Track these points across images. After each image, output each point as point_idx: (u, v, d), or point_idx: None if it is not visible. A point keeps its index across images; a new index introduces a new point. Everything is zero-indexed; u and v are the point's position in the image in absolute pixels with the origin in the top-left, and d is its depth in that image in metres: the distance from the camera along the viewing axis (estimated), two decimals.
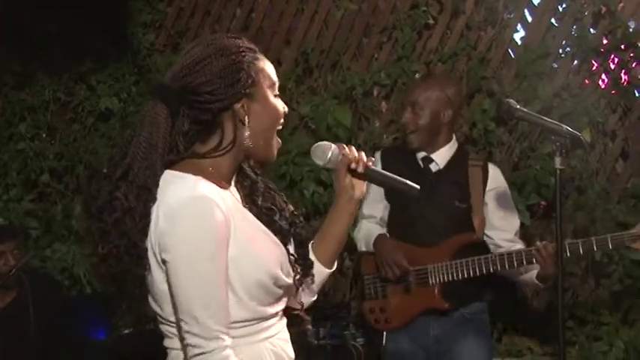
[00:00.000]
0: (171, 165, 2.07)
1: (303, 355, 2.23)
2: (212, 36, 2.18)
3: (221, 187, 2.07)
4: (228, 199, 2.06)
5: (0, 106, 5.75)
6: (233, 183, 2.16)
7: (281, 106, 2.15)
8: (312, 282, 2.23)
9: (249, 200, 2.18)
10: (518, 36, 4.76)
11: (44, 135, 5.64)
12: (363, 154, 2.21)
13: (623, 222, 4.10)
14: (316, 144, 2.21)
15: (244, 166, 2.21)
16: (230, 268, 2.00)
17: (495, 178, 3.77)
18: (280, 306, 2.14)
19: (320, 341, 4.24)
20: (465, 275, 3.62)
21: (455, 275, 3.64)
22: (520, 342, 4.47)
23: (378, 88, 4.96)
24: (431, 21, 4.85)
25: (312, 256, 2.25)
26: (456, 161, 3.77)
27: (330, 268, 2.29)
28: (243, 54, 2.08)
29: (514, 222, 3.79)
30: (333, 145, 2.21)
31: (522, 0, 4.70)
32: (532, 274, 3.61)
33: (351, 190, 2.22)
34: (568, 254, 3.46)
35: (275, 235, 2.14)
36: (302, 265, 2.18)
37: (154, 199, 2.00)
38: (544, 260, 3.48)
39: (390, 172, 3.75)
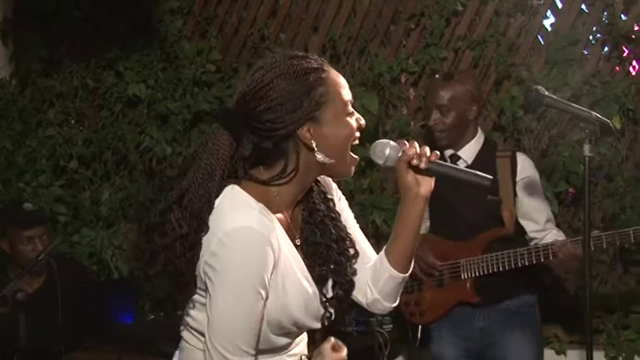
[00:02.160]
0: (239, 180, 2.05)
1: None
2: (278, 56, 2.08)
3: (279, 218, 2.05)
4: (282, 236, 2.03)
5: (29, 93, 5.79)
6: (297, 205, 2.14)
7: (354, 123, 2.08)
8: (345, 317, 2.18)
9: (303, 226, 2.15)
10: (548, 22, 4.71)
11: (73, 121, 5.67)
12: (426, 148, 2.10)
13: None
14: (375, 142, 2.12)
15: (313, 187, 2.17)
16: (269, 305, 2.01)
17: (525, 168, 3.76)
18: (298, 337, 2.16)
19: (345, 328, 4.24)
20: (496, 269, 3.64)
21: (486, 269, 3.66)
22: (546, 329, 4.44)
23: (405, 75, 4.93)
24: (460, 7, 4.82)
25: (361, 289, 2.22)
26: (483, 155, 3.77)
27: (406, 273, 2.20)
28: (307, 77, 2.01)
29: (545, 212, 3.78)
30: (392, 142, 2.12)
31: None
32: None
33: (415, 187, 2.10)
34: (592, 248, 3.44)
35: (312, 272, 2.11)
36: (336, 307, 2.14)
37: (206, 229, 1.98)
38: (564, 257, 3.49)
39: None
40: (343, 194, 2.31)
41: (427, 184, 2.12)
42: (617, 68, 4.51)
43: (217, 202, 2.01)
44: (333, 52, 5.12)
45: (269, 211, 2.02)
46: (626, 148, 4.39)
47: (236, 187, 2.03)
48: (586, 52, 4.59)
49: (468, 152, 3.77)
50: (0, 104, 5.74)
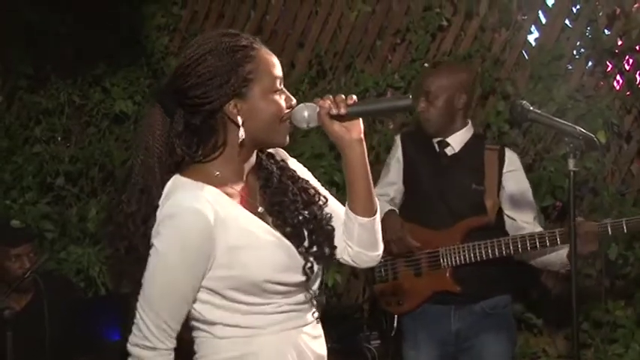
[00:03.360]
0: (182, 169, 2.09)
1: None
2: (208, 34, 2.14)
3: (228, 192, 2.08)
4: (230, 208, 2.06)
5: (15, 109, 5.78)
6: (248, 177, 2.16)
7: (283, 101, 2.11)
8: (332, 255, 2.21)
9: (263, 193, 2.19)
10: (533, 37, 4.74)
11: (59, 138, 5.67)
12: (340, 96, 2.15)
13: None
14: (292, 111, 2.15)
15: (261, 156, 2.21)
16: (233, 272, 2.04)
17: (512, 161, 3.75)
18: (298, 297, 2.15)
19: (333, 344, 4.24)
20: (478, 258, 3.60)
21: (467, 258, 3.63)
22: (535, 344, 4.45)
23: (391, 91, 4.95)
24: (445, 23, 4.85)
25: (341, 232, 2.23)
26: (472, 145, 3.77)
27: (372, 215, 2.23)
28: (235, 54, 2.06)
29: (533, 204, 3.76)
30: (307, 103, 2.15)
31: (536, 1, 4.68)
32: (561, 253, 3.56)
33: (346, 135, 2.14)
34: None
35: (283, 231, 2.13)
36: (316, 254, 2.16)
37: (155, 202, 2.04)
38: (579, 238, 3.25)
39: (409, 155, 3.78)
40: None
41: (356, 128, 2.16)
42: (602, 83, 4.54)
43: (165, 191, 2.06)
44: (319, 67, 5.14)
45: (211, 187, 2.05)
46: (611, 162, 4.41)
47: (177, 175, 2.08)
48: (570, 67, 4.62)
49: (456, 140, 3.75)
50: None
